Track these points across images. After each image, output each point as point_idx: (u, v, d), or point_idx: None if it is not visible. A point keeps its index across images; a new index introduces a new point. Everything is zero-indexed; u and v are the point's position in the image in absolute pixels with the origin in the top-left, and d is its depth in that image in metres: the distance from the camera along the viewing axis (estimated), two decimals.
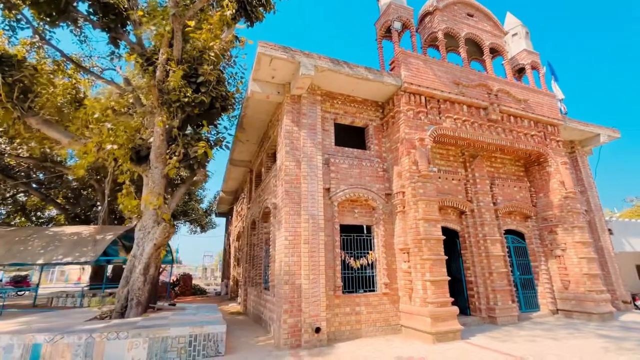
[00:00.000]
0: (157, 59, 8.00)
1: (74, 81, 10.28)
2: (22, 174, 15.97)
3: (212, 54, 7.92)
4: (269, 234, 9.38)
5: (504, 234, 9.20)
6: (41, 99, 8.55)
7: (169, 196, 8.69)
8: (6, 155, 13.47)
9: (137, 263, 7.27)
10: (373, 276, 7.63)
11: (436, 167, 8.47)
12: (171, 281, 18.83)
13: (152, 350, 5.28)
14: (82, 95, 10.66)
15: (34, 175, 16.65)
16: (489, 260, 8.34)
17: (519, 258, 9.47)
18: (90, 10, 8.90)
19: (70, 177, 17.07)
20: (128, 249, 15.62)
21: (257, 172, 12.09)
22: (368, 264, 7.62)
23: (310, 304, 6.40)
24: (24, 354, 4.94)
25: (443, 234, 7.23)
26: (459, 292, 8.64)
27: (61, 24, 9.06)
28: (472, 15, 10.46)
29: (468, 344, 6.29)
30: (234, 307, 13.58)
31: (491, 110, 8.99)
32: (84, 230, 12.66)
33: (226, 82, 9.02)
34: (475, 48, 10.79)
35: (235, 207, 18.23)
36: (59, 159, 15.52)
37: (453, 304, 6.80)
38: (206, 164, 8.34)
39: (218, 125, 9.46)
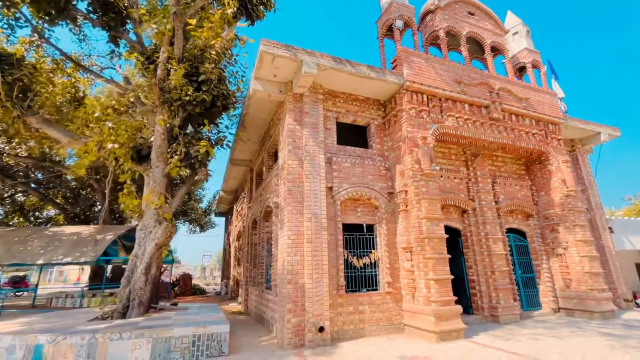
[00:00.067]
0: (157, 57, 7.94)
1: (73, 80, 10.21)
2: (21, 173, 15.87)
3: (214, 53, 7.88)
4: (270, 233, 9.34)
5: (506, 232, 9.20)
6: (41, 98, 8.49)
7: (169, 196, 8.64)
8: (5, 154, 13.37)
9: (139, 263, 7.22)
10: (376, 275, 7.62)
11: (438, 165, 8.46)
12: (171, 281, 18.77)
13: (156, 350, 5.25)
14: (81, 94, 10.59)
15: (33, 175, 16.54)
16: (491, 259, 8.34)
17: (521, 256, 9.47)
18: (90, 8, 8.84)
19: (69, 177, 16.97)
20: (128, 249, 15.56)
21: (257, 171, 12.05)
22: (371, 263, 7.60)
23: (314, 303, 6.38)
24: (26, 355, 4.90)
25: (445, 233, 7.22)
26: (461, 290, 8.63)
27: (60, 22, 9.00)
28: (473, 14, 10.45)
29: (472, 343, 6.28)
30: (234, 306, 13.54)
31: (493, 109, 8.99)
32: (84, 230, 12.58)
33: (227, 81, 8.98)
34: (476, 47, 10.78)
35: (235, 206, 18.18)
36: (57, 158, 15.42)
37: (455, 302, 6.79)
38: (207, 163, 8.29)
39: (219, 124, 9.43)
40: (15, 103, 7.67)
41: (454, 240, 9.00)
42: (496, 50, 10.82)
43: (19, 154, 13.28)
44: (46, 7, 8.29)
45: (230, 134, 10.09)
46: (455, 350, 5.80)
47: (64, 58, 9.61)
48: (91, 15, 8.91)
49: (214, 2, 9.24)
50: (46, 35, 9.05)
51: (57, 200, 17.81)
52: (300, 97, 7.69)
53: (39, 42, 9.33)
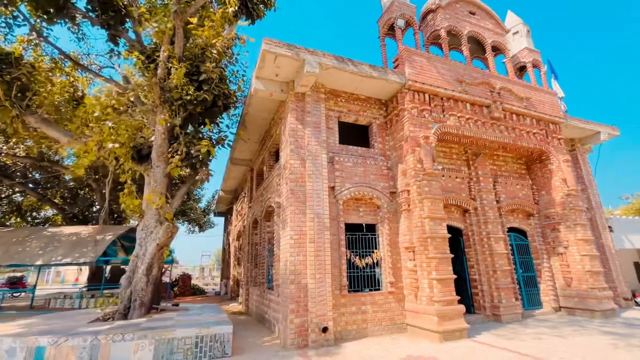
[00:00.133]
0: (158, 56, 7.88)
1: (71, 79, 10.12)
2: (19, 173, 15.73)
3: (215, 52, 7.84)
4: (272, 233, 9.31)
5: (507, 231, 9.22)
6: (39, 97, 8.40)
7: (169, 196, 8.58)
8: (2, 154, 13.24)
9: (140, 263, 7.17)
10: (378, 275, 7.60)
11: (440, 165, 8.45)
12: (170, 281, 18.69)
13: (159, 352, 5.21)
14: (80, 93, 10.51)
15: (30, 175, 16.41)
16: (492, 258, 8.34)
17: (522, 256, 9.49)
18: (89, 7, 8.75)
19: (67, 177, 16.85)
20: (127, 250, 15.48)
21: (258, 170, 12.01)
22: (373, 262, 7.58)
23: (317, 303, 6.36)
24: (27, 357, 4.84)
25: (447, 232, 7.21)
26: (463, 290, 8.63)
27: (59, 21, 8.90)
28: (474, 13, 10.45)
29: (475, 342, 6.28)
30: (235, 307, 13.50)
31: (494, 108, 8.99)
32: (83, 230, 12.49)
33: (228, 80, 8.93)
34: (476, 46, 10.78)
35: (235, 206, 18.12)
36: (56, 158, 15.31)
37: (458, 302, 6.79)
38: (209, 162, 8.24)
39: (220, 124, 9.38)
40: (14, 102, 7.58)
41: (456, 239, 9.00)
42: (497, 50, 10.83)
43: (17, 154, 13.16)
44: (44, 6, 8.19)
45: (231, 133, 10.04)
46: (459, 350, 5.79)
47: (63, 57, 9.52)
48: (90, 13, 8.82)
49: (214, 1, 9.18)
50: (44, 34, 8.96)
51: (56, 201, 17.68)
52: (302, 96, 7.66)
53: (37, 41, 9.23)
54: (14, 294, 21.41)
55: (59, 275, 43.21)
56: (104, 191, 15.83)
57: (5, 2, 8.00)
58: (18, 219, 18.86)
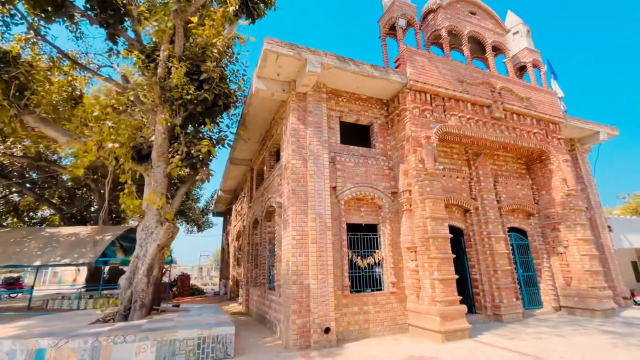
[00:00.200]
0: (157, 55, 7.82)
1: (70, 78, 10.02)
2: (16, 173, 15.59)
3: (215, 51, 7.78)
4: (273, 233, 9.28)
5: (507, 231, 9.24)
6: (37, 97, 8.32)
7: (170, 196, 8.53)
8: (0, 154, 13.12)
9: (141, 264, 7.12)
10: (380, 275, 7.59)
11: (441, 165, 8.45)
12: (169, 281, 18.62)
13: (160, 353, 5.17)
14: (78, 92, 10.41)
15: (27, 175, 16.27)
16: (493, 258, 8.36)
17: (522, 255, 9.52)
18: (88, 5, 8.66)
19: (65, 177, 16.73)
20: (126, 250, 15.40)
21: (258, 170, 11.97)
22: (375, 263, 7.57)
23: (319, 304, 6.34)
24: None
25: (449, 232, 7.21)
26: (464, 290, 8.64)
27: (57, 19, 8.81)
28: (474, 13, 10.45)
29: (477, 342, 6.29)
30: (235, 307, 13.46)
31: (495, 108, 9.00)
32: (82, 230, 12.40)
33: (228, 80, 8.87)
34: (477, 46, 10.78)
35: (234, 206, 18.06)
36: (54, 158, 15.19)
37: (459, 302, 6.79)
38: (209, 162, 8.20)
39: (220, 123, 9.33)
40: (12, 101, 7.50)
41: (457, 239, 9.01)
42: (497, 50, 10.84)
43: (14, 154, 13.03)
44: (42, 4, 8.11)
45: (231, 133, 9.98)
46: (461, 350, 5.80)
47: (61, 56, 9.43)
48: (89, 12, 8.74)
49: (214, 0, 9.13)
50: (42, 33, 8.87)
51: (53, 201, 17.55)
52: (303, 96, 7.63)
53: (35, 40, 9.13)
54: (11, 295, 21.23)
55: (55, 275, 42.92)
56: (102, 191, 15.74)
57: (3, 0, 7.91)
58: (15, 219, 18.70)
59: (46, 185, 16.99)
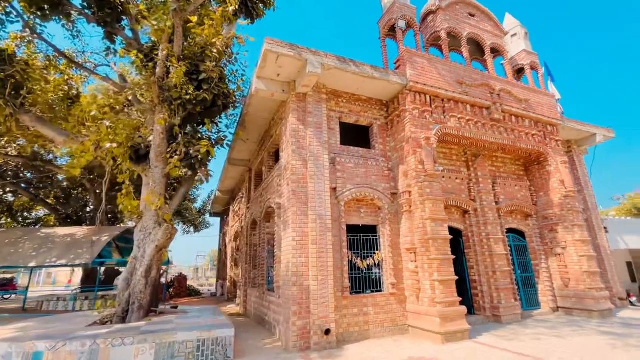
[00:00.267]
0: (156, 55, 7.76)
1: (66, 77, 9.91)
2: (10, 173, 15.38)
3: (215, 51, 7.73)
4: (272, 234, 9.23)
5: (506, 232, 9.28)
6: (33, 95, 8.21)
7: (168, 196, 8.46)
8: None
9: (139, 265, 7.05)
10: (380, 276, 7.58)
11: (440, 166, 8.46)
12: (166, 282, 18.47)
13: (159, 356, 5.11)
14: (74, 92, 10.30)
15: (22, 175, 16.06)
16: (492, 259, 8.38)
17: (520, 256, 9.56)
18: (85, 4, 8.57)
19: (60, 177, 16.53)
20: (122, 251, 15.25)
21: (257, 171, 11.92)
22: (374, 264, 7.56)
23: (319, 305, 6.31)
24: None
25: (448, 233, 7.22)
26: (463, 291, 8.64)
27: (53, 17, 8.70)
28: (473, 15, 10.50)
29: (476, 344, 6.30)
30: (232, 308, 13.39)
31: (494, 110, 9.04)
32: (78, 231, 12.27)
33: (227, 80, 8.82)
34: (475, 48, 10.84)
35: (232, 206, 17.98)
36: (49, 157, 15.00)
37: (459, 303, 6.79)
38: (208, 163, 8.14)
39: (219, 124, 9.27)
40: (7, 100, 7.40)
41: (456, 240, 9.02)
42: (496, 52, 10.89)
43: (9, 153, 12.86)
44: (39, 2, 8.01)
45: (230, 133, 9.93)
46: (461, 352, 5.80)
47: (57, 54, 9.31)
48: (86, 10, 8.64)
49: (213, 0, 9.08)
50: (38, 31, 8.75)
51: (49, 201, 17.34)
52: (303, 96, 7.60)
53: (31, 38, 9.00)
54: (4, 296, 20.96)
55: (50, 276, 42.45)
56: (98, 191, 15.57)
57: None
58: (9, 220, 18.44)
59: (41, 185, 16.78)
